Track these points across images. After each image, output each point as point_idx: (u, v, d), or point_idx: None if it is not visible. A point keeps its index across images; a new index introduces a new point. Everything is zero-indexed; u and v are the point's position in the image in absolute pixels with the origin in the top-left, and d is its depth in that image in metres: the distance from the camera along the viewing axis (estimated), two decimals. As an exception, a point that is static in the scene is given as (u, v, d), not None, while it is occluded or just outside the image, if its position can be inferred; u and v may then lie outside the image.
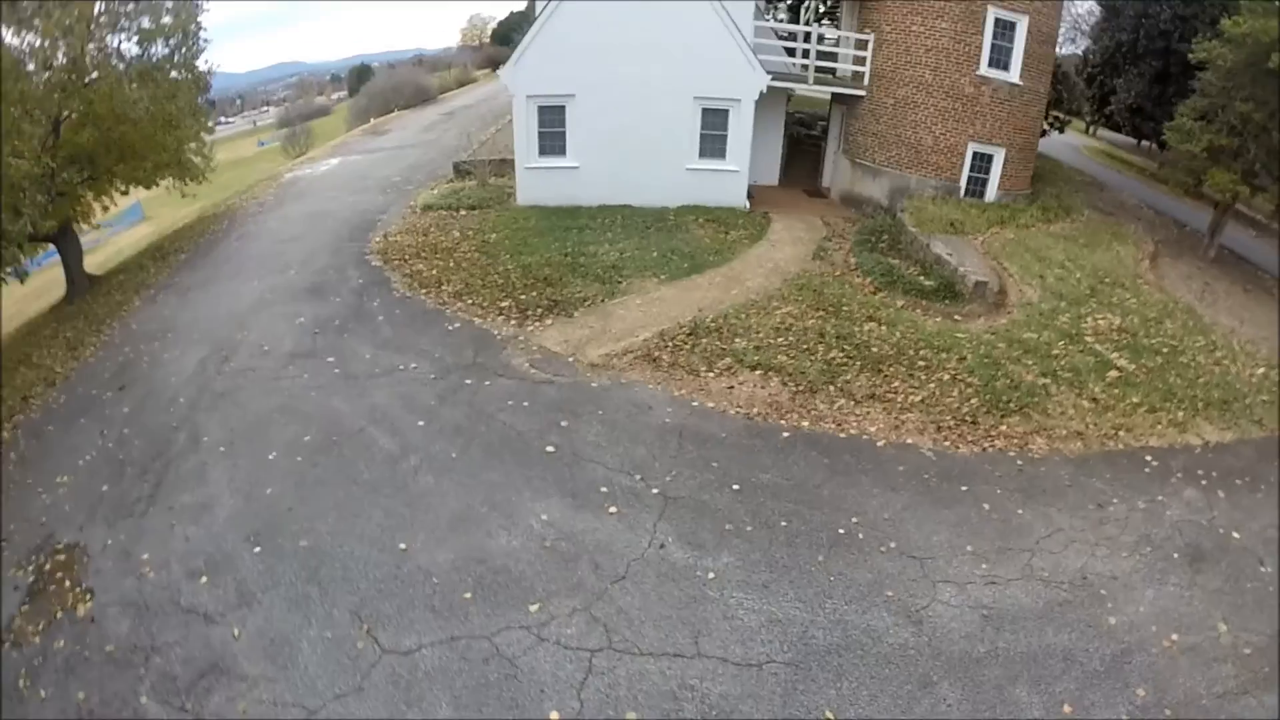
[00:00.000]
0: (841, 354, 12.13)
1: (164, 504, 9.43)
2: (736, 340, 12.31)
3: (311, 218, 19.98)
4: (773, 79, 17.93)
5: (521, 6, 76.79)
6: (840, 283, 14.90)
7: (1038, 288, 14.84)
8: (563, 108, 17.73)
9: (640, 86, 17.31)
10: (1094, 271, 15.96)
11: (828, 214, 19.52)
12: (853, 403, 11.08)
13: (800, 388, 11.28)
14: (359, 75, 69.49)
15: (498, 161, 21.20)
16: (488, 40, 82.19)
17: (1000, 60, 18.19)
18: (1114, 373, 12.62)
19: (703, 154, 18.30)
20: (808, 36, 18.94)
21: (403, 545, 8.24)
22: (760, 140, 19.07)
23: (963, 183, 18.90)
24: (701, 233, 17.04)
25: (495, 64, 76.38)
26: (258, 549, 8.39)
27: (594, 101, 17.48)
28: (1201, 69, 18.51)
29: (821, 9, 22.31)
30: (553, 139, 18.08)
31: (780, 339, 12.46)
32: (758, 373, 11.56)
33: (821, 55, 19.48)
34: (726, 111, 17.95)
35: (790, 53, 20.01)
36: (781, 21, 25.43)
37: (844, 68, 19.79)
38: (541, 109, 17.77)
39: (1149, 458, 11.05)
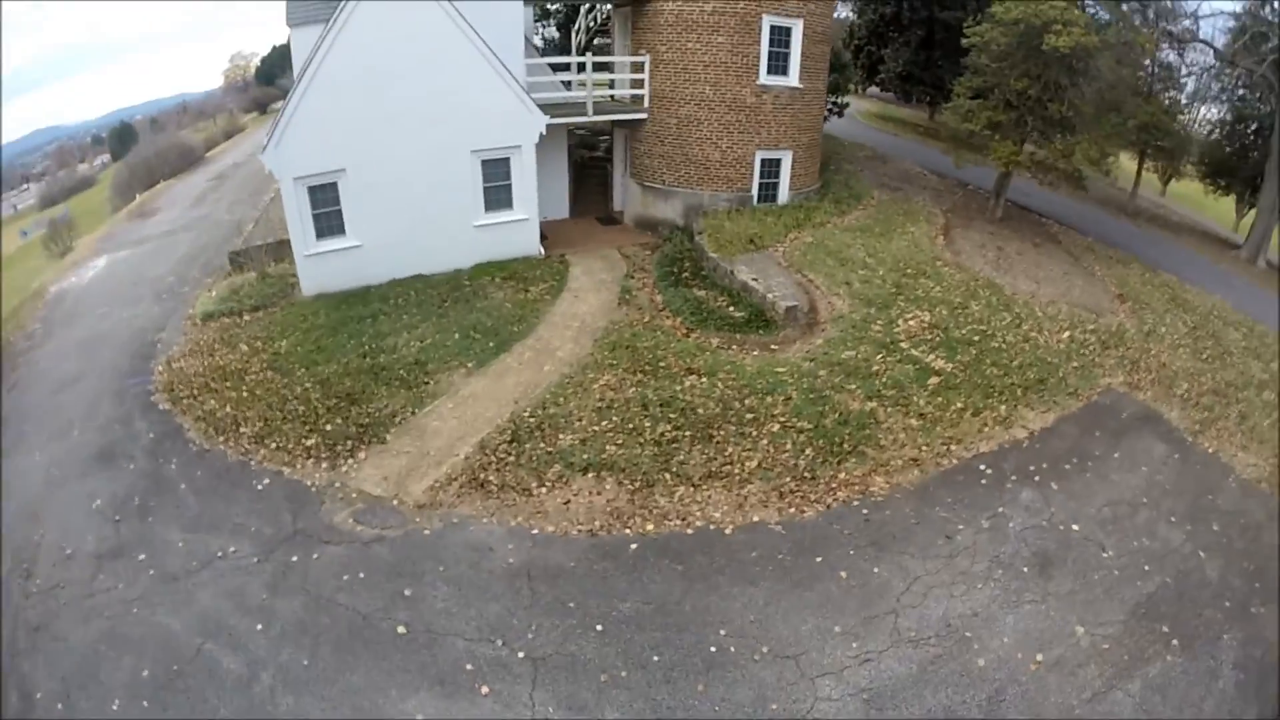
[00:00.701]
0: (669, 426, 11.51)
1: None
2: (561, 437, 11.42)
3: (86, 348, 17.29)
4: (551, 116, 17.07)
5: (282, 39, 71.97)
6: (651, 330, 14.33)
7: (845, 296, 14.84)
8: (335, 184, 16.05)
9: (414, 148, 15.97)
10: (895, 264, 16.20)
11: (624, 243, 18.96)
12: (691, 488, 10.51)
13: (637, 484, 10.56)
14: (120, 137, 63.06)
15: (275, 245, 19.12)
16: (252, 78, 76.72)
17: (779, 66, 18.13)
18: (934, 379, 12.75)
19: (489, 207, 17.22)
20: (581, 67, 17.99)
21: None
22: (545, 174, 18.20)
23: (754, 191, 18.84)
24: (501, 295, 16.00)
25: (262, 106, 72.53)
26: None
27: (367, 173, 15.95)
28: (969, 50, 19.44)
29: (591, 27, 21.43)
30: (329, 219, 16.37)
31: (605, 422, 11.67)
32: (590, 476, 10.73)
33: (599, 80, 18.69)
34: (508, 160, 16.93)
35: (566, 83, 19.16)
36: (552, 38, 24.28)
37: (622, 93, 19.04)
38: (312, 189, 16.00)
39: (983, 466, 11.31)
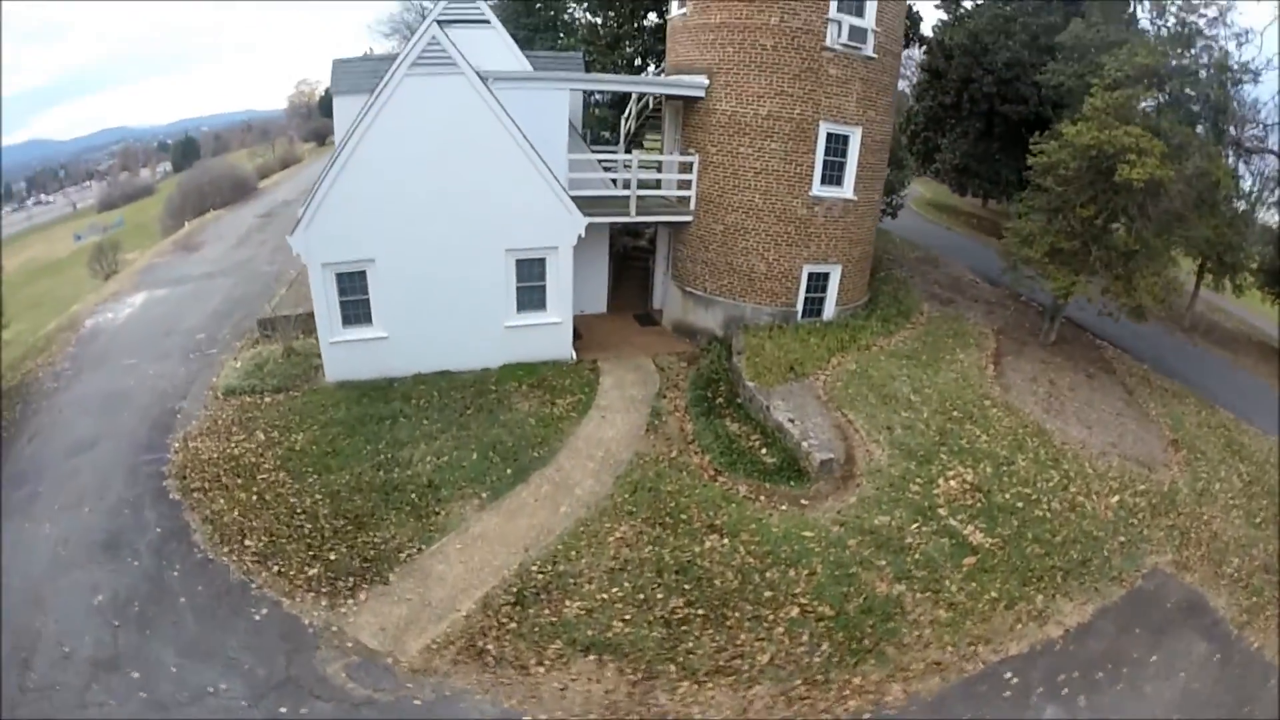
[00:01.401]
0: (682, 600, 10.89)
1: None
2: (568, 605, 10.84)
3: (109, 405, 17.23)
4: (592, 214, 16.64)
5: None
6: (677, 469, 13.71)
7: (885, 444, 14.08)
8: (364, 273, 15.78)
9: (447, 243, 15.65)
10: (941, 403, 15.43)
11: (660, 350, 18.36)
12: (696, 685, 9.83)
13: (639, 674, 9.92)
14: (184, 149, 64.79)
15: (304, 316, 18.91)
16: (315, 105, 78.27)
17: (834, 176, 17.43)
18: (970, 559, 11.96)
19: (521, 308, 16.79)
20: (628, 165, 17.52)
21: None
22: (584, 267, 17.80)
23: (799, 306, 18.11)
24: (526, 406, 15.51)
25: (321, 137, 73.58)
26: None
27: (397, 264, 15.67)
28: (1028, 148, 18.87)
29: (643, 111, 20.99)
30: (356, 307, 16.11)
31: (615, 589, 11.08)
32: (591, 658, 10.12)
33: (645, 178, 18.23)
34: (543, 260, 16.51)
35: (609, 166, 18.79)
36: (604, 118, 23.98)
37: (668, 193, 18.52)
38: (340, 276, 15.76)
39: (1009, 674, 10.56)
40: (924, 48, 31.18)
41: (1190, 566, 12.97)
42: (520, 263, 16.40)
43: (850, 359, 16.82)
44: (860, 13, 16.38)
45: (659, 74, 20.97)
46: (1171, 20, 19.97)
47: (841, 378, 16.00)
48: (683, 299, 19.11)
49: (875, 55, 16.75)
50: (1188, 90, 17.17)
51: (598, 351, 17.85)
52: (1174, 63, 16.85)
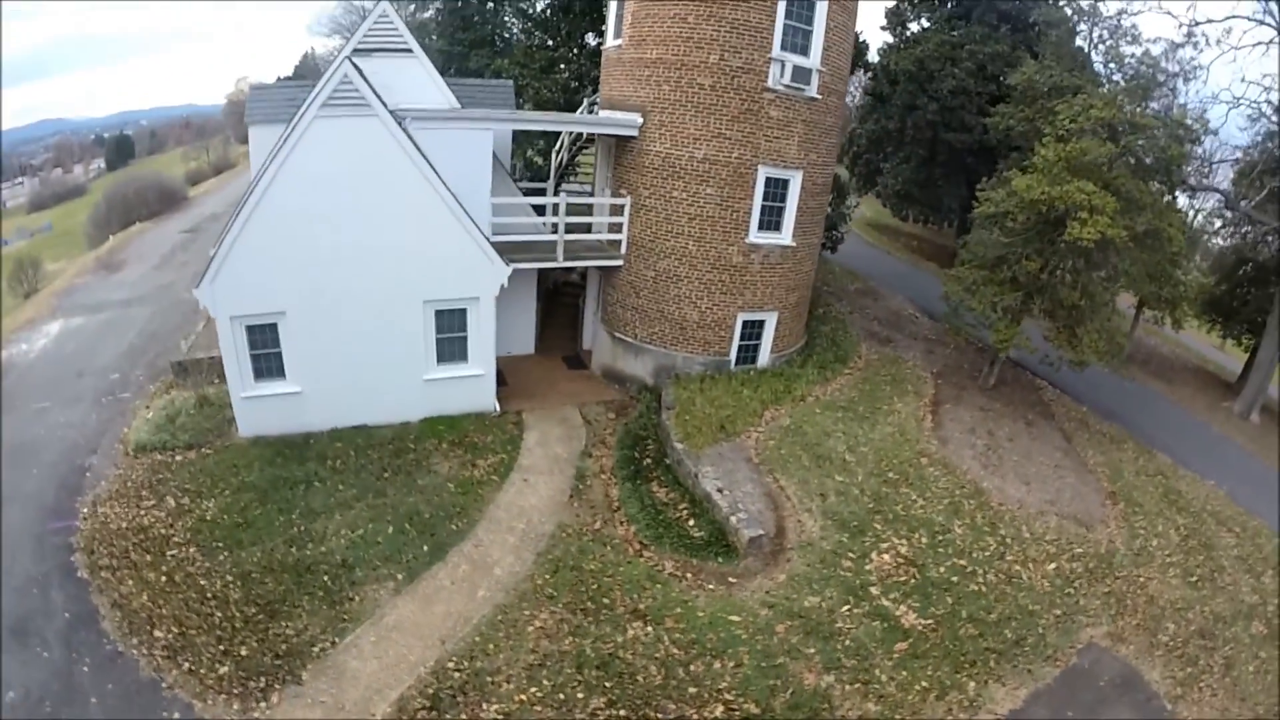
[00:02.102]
0: (604, 700, 10.33)
1: None
2: (485, 708, 10.19)
3: (17, 458, 16.05)
4: (517, 260, 16.04)
5: (288, 71, 71.36)
6: (601, 542, 13.15)
7: (817, 513, 13.67)
8: (275, 325, 14.83)
9: (362, 294, 14.78)
10: (877, 463, 15.12)
11: (588, 398, 17.71)
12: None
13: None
14: (118, 147, 62.38)
15: (219, 360, 17.79)
16: None
17: (772, 222, 16.82)
18: (902, 645, 11.59)
19: (442, 359, 15.99)
20: (556, 208, 16.74)
21: None
22: (511, 307, 17.15)
23: (733, 355, 17.62)
24: (445, 468, 14.78)
25: None
26: None
27: (310, 316, 14.76)
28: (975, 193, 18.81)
29: (573, 146, 20.18)
30: (268, 360, 15.16)
31: (534, 688, 10.46)
32: (503, 785, 9.47)
33: (574, 222, 17.43)
34: (464, 310, 15.73)
35: (540, 208, 18.01)
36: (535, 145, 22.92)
37: (599, 236, 17.77)
38: (250, 328, 14.79)
39: None
40: (869, 74, 30.91)
41: (1125, 638, 12.84)
42: (440, 313, 15.61)
43: (784, 412, 16.36)
44: (805, 50, 15.75)
45: (595, 101, 20.12)
46: (1127, 70, 19.73)
47: (774, 435, 15.52)
48: (612, 345, 18.42)
49: (819, 96, 16.16)
50: (1141, 144, 16.74)
51: (523, 400, 17.14)
52: (1129, 119, 16.48)
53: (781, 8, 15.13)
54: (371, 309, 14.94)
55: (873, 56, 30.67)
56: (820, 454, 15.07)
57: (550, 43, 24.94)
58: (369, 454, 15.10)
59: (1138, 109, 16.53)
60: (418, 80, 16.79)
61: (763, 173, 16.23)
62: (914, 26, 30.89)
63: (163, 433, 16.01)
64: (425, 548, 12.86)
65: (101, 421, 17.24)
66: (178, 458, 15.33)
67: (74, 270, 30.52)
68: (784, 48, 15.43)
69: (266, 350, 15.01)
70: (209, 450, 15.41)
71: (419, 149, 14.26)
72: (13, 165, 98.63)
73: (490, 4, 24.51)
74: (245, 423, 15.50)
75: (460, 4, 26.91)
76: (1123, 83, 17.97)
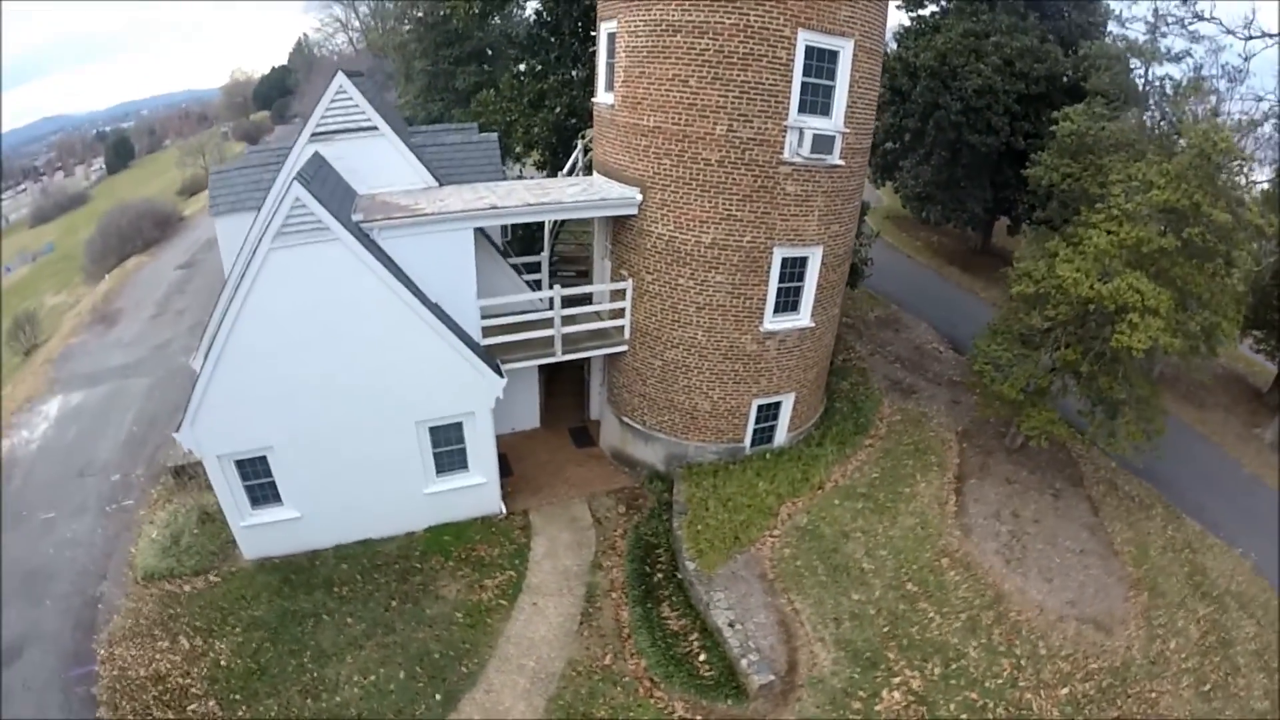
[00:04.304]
0: None
1: None
2: None
3: (29, 587, 16.10)
4: (512, 360, 15.60)
5: (282, 59, 69.85)
6: (611, 681, 12.84)
7: (830, 642, 13.20)
8: (265, 458, 14.41)
9: (351, 421, 14.18)
10: (896, 570, 14.63)
11: (597, 487, 17.18)
12: None
13: None
14: (117, 149, 61.88)
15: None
16: (250, 97, 74.36)
17: (789, 303, 15.56)
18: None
19: (442, 470, 15.47)
20: (552, 302, 15.73)
21: None
22: (515, 381, 16.41)
23: (748, 440, 16.84)
24: (454, 590, 14.49)
25: (253, 139, 70.34)
26: None
27: (299, 447, 14.25)
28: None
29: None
30: (264, 489, 14.80)
31: None
32: None
33: (572, 312, 16.46)
34: (460, 424, 15.14)
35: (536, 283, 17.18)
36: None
37: (599, 325, 16.75)
38: (240, 463, 14.39)
39: None
40: (886, 73, 28.79)
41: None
42: (435, 430, 15.04)
43: (802, 506, 15.74)
44: (827, 110, 13.77)
45: (590, 145, 18.81)
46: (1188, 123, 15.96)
47: (791, 540, 14.95)
48: (620, 428, 17.67)
49: (842, 162, 14.28)
50: (1209, 237, 14.27)
51: (530, 495, 16.71)
52: (1195, 203, 13.95)
53: (799, 65, 13.13)
54: (363, 434, 14.38)
55: (889, 42, 28.54)
56: (837, 564, 14.51)
57: (539, 68, 23.29)
58: (375, 578, 14.85)
59: (1205, 193, 14.06)
60: (387, 160, 15.54)
61: (778, 254, 14.75)
62: (932, 7, 28.55)
63: (169, 557, 15.92)
64: (437, 696, 12.65)
65: (108, 539, 17.17)
66: (186, 587, 15.20)
67: (69, 327, 30.28)
68: (802, 110, 13.52)
69: (260, 480, 14.64)
70: (216, 577, 15.26)
71: (392, 262, 13.48)
72: (14, 169, 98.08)
73: (474, 17, 22.71)
74: (248, 547, 15.33)
75: (443, 17, 25.28)
76: (1186, 144, 14.82)
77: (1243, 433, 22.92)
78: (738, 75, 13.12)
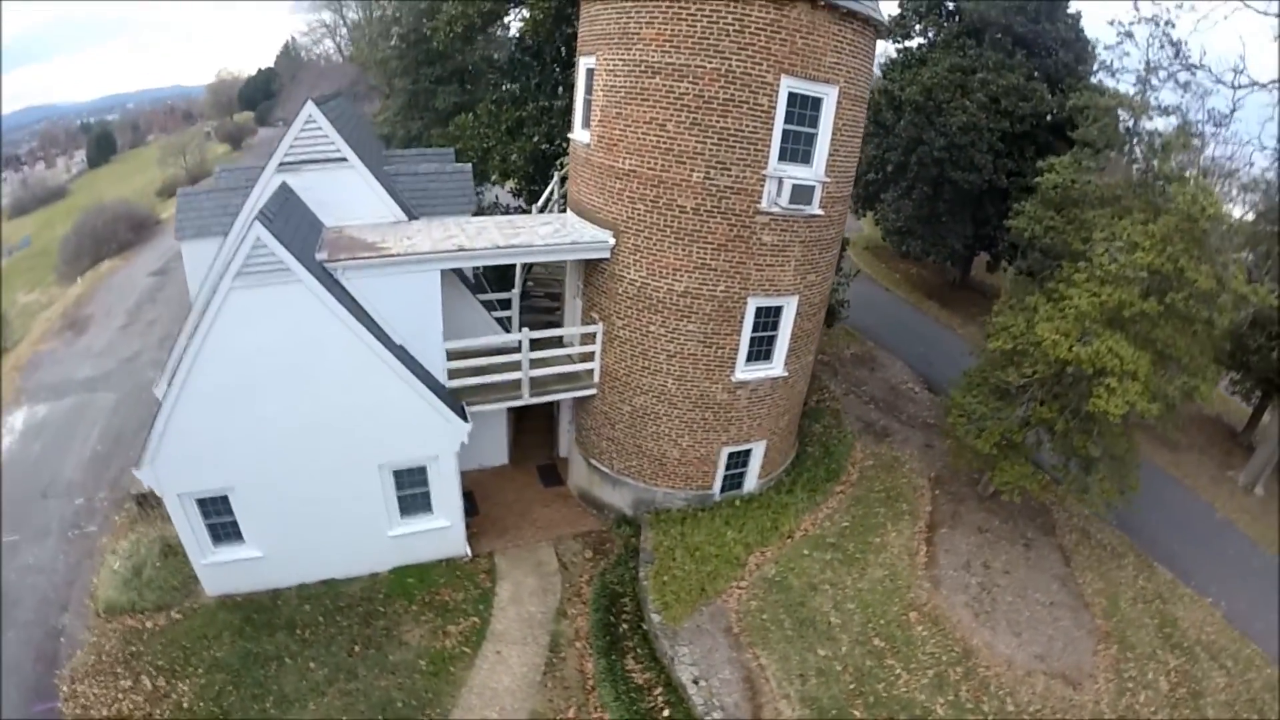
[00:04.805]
0: None
1: None
2: None
3: None
4: (477, 403, 15.41)
5: (269, 62, 69.66)
6: (574, 740, 12.67)
7: (795, 699, 13.06)
8: (226, 498, 14.13)
9: (313, 463, 13.92)
10: (863, 624, 14.51)
11: (564, 529, 16.99)
12: None
13: None
14: (99, 144, 61.27)
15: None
16: (235, 97, 73.87)
17: (762, 352, 15.43)
18: None
19: (406, 513, 15.25)
20: (520, 344, 15.45)
21: None
22: (480, 420, 16.15)
23: (717, 487, 16.70)
24: (416, 637, 14.25)
25: (236, 141, 70.09)
26: None
27: (261, 488, 13.99)
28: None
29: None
30: (225, 528, 14.53)
31: None
32: None
33: (541, 355, 16.15)
34: (424, 468, 14.91)
35: (504, 324, 16.97)
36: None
37: (568, 369, 16.38)
38: (201, 501, 14.11)
39: None
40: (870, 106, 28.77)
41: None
42: (399, 473, 14.84)
43: (770, 556, 15.62)
44: (807, 158, 13.55)
45: (566, 174, 18.60)
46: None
47: (758, 592, 14.83)
48: (588, 470, 17.45)
49: (821, 212, 14.11)
50: (1192, 302, 14.17)
51: (495, 538, 16.51)
52: (1180, 268, 13.84)
53: (781, 112, 12.87)
54: (325, 476, 14.12)
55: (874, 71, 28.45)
56: (804, 617, 14.39)
57: (519, 93, 23.03)
58: (338, 620, 14.62)
59: (1190, 257, 13.95)
60: (356, 192, 15.25)
61: (752, 304, 14.58)
62: (919, 40, 28.53)
63: (130, 590, 15.63)
64: (397, 760, 12.46)
65: (69, 566, 16.84)
66: (148, 624, 14.90)
67: (39, 333, 29.81)
68: (782, 158, 13.28)
69: (221, 519, 14.38)
70: (178, 614, 14.97)
71: (355, 303, 13.24)
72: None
73: (455, 38, 22.43)
74: (210, 584, 15.10)
75: (425, 36, 24.98)
76: (1174, 205, 14.40)
77: (1216, 475, 23.02)
78: (717, 121, 12.86)
